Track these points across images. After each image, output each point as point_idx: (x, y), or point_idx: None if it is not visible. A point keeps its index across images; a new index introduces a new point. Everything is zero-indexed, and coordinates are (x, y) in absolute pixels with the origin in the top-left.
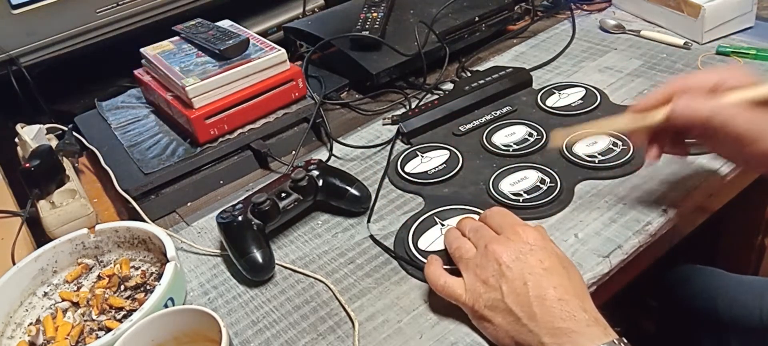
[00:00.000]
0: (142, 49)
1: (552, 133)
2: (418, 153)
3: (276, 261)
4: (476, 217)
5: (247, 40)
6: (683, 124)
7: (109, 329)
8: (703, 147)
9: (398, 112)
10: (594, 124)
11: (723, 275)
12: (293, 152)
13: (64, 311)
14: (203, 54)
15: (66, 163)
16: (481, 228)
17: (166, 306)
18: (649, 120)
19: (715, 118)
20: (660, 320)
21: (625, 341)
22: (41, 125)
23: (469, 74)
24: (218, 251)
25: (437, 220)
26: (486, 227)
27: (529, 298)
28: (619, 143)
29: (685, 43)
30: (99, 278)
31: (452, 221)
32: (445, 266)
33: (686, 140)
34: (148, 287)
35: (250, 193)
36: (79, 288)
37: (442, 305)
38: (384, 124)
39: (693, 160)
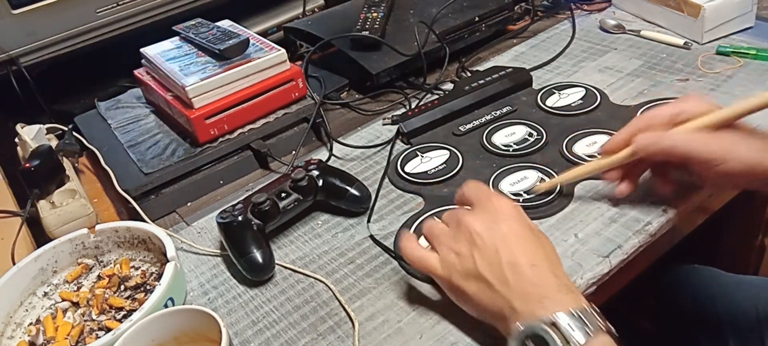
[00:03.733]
0: (142, 49)
1: (535, 187)
2: (418, 153)
3: (276, 261)
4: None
5: (247, 40)
6: (650, 158)
7: (109, 329)
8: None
9: (398, 112)
10: (568, 173)
11: (721, 274)
12: (293, 152)
13: (64, 311)
14: (203, 54)
15: (66, 163)
16: (455, 210)
17: (166, 306)
18: (614, 160)
19: (676, 147)
20: (658, 320)
21: (596, 309)
22: (41, 125)
23: (469, 74)
24: (218, 251)
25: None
26: (459, 208)
27: (502, 265)
28: None
29: (685, 43)
30: (99, 278)
31: None
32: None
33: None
34: (148, 287)
35: (250, 193)
36: (79, 288)
37: (441, 305)
38: (384, 124)
39: None
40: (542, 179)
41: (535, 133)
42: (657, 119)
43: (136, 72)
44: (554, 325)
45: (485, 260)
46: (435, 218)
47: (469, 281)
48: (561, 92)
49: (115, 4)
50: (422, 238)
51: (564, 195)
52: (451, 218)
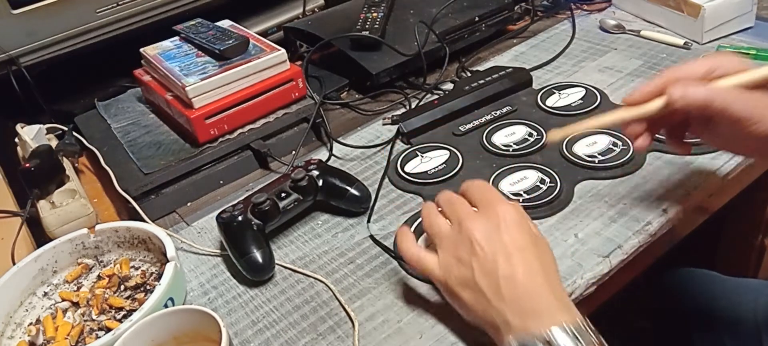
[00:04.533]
0: (142, 49)
1: (549, 132)
2: (418, 153)
3: (276, 261)
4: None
5: (247, 40)
6: (682, 111)
7: (109, 329)
8: (703, 146)
9: (398, 112)
10: (589, 121)
11: (719, 277)
12: (293, 152)
13: (64, 311)
14: (203, 54)
15: (66, 163)
16: (457, 201)
17: (166, 306)
18: (645, 110)
19: (714, 102)
20: (656, 322)
21: (590, 324)
22: (41, 125)
23: (469, 74)
24: (218, 251)
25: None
26: (462, 200)
27: (498, 277)
28: (619, 143)
29: (685, 43)
30: (99, 278)
31: None
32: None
33: (686, 140)
34: (148, 287)
35: (250, 193)
36: (79, 288)
37: (442, 306)
38: (384, 124)
39: (693, 161)
40: (542, 179)
41: (535, 133)
42: (691, 72)
43: (136, 72)
44: (548, 342)
45: (483, 271)
46: (433, 206)
47: (465, 289)
48: (561, 92)
49: (115, 4)
50: (422, 236)
51: (564, 195)
52: (452, 213)
